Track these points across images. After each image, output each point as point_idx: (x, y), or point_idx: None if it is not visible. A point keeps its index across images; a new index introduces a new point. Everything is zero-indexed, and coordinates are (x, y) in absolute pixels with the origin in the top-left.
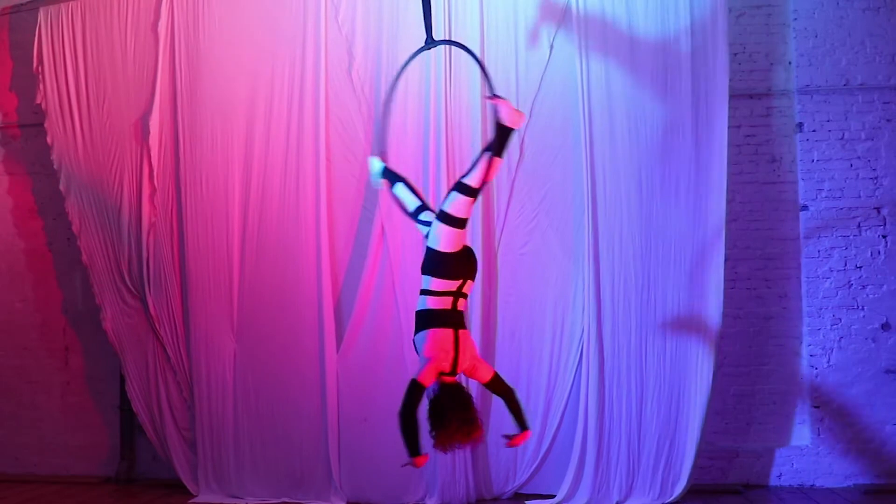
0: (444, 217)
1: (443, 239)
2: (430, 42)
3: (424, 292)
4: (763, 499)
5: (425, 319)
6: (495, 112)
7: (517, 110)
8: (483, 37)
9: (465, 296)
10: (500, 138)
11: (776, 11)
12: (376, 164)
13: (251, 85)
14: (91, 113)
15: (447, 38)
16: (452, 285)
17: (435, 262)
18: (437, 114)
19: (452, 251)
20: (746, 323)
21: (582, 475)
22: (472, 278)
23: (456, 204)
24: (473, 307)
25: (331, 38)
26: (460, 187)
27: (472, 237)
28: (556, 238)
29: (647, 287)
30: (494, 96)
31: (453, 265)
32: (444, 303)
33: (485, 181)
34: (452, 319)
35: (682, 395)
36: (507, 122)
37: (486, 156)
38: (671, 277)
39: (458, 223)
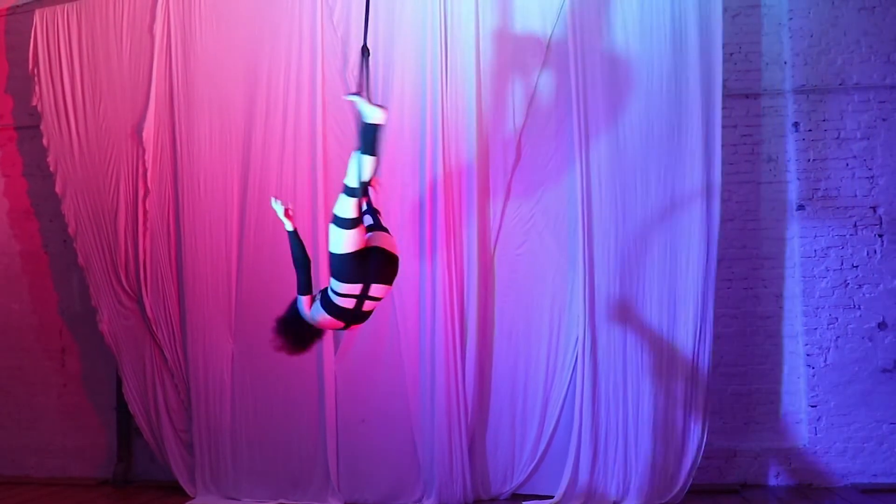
0: (333, 218)
1: (333, 241)
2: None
3: (332, 290)
4: (761, 498)
5: (327, 305)
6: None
7: (377, 105)
8: (478, 38)
9: (373, 299)
10: (364, 135)
11: (772, 11)
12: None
13: (247, 86)
14: (87, 115)
15: (445, 43)
16: (355, 289)
17: (334, 265)
18: (434, 114)
19: (348, 252)
20: (743, 322)
21: (579, 475)
22: (385, 283)
23: (340, 205)
24: (470, 307)
25: (326, 39)
26: (343, 188)
27: (468, 238)
28: (552, 238)
29: (643, 287)
30: (352, 94)
31: (352, 268)
32: (348, 303)
33: (366, 181)
34: (349, 317)
35: (679, 395)
36: (367, 119)
37: (355, 154)
38: (667, 277)
39: (344, 223)
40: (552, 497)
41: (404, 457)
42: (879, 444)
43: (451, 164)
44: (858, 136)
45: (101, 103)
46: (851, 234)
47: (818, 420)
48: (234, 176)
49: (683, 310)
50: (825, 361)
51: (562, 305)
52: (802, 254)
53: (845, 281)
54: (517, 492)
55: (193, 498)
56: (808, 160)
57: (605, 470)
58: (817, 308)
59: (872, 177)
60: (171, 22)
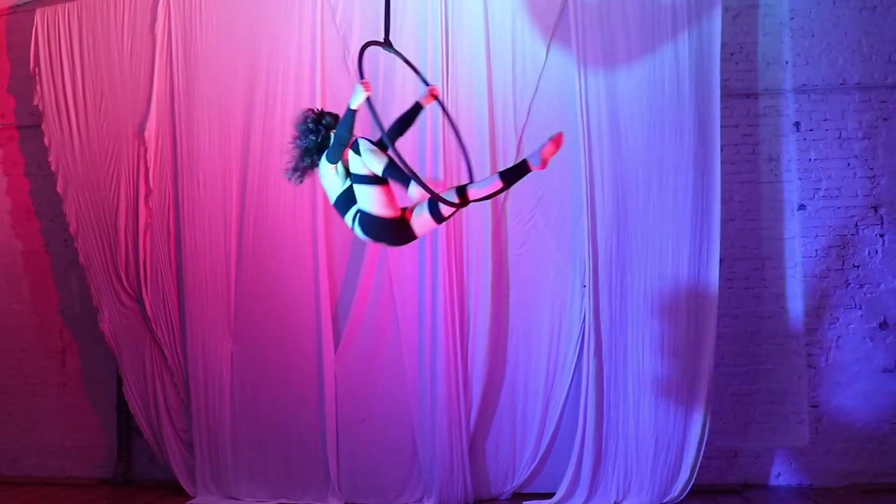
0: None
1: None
2: (387, 43)
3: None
4: (762, 498)
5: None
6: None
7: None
8: (484, 38)
9: None
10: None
11: (772, 11)
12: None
13: (248, 85)
14: (88, 114)
15: (446, 43)
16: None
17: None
18: (434, 112)
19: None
20: (744, 322)
21: (580, 475)
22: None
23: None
24: (470, 307)
25: (328, 38)
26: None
27: (468, 238)
28: (552, 238)
29: (644, 287)
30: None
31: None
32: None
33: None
34: None
35: (680, 395)
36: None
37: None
38: (668, 277)
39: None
40: (553, 496)
41: (405, 457)
42: (881, 444)
43: (452, 164)
44: (860, 135)
45: (101, 102)
46: (852, 234)
47: (819, 420)
48: (234, 175)
49: (685, 310)
50: (826, 361)
51: (562, 305)
52: (803, 253)
53: (846, 281)
54: (518, 491)
55: (193, 497)
56: (809, 160)
57: (606, 469)
58: (818, 308)
59: (873, 176)
60: (171, 21)
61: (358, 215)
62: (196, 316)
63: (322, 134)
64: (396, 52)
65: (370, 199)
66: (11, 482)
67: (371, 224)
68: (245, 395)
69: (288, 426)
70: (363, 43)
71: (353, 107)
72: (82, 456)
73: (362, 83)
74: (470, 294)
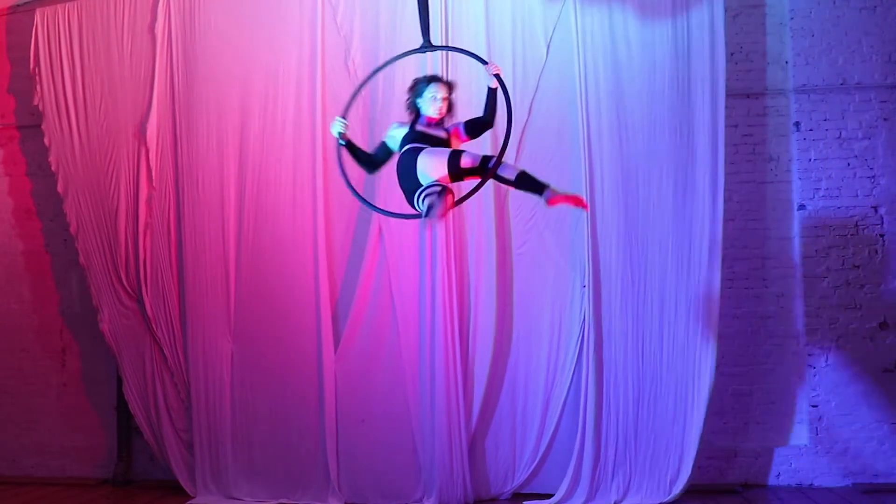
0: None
1: None
2: (427, 46)
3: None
4: (761, 498)
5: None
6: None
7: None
8: (486, 36)
9: None
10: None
11: (773, 11)
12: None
13: (248, 86)
14: (88, 114)
15: (447, 44)
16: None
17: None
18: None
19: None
20: (744, 322)
21: (580, 475)
22: None
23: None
24: (470, 307)
25: (328, 39)
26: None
27: (468, 238)
28: (552, 238)
29: (645, 287)
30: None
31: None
32: None
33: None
34: None
35: (680, 395)
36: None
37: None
38: (669, 277)
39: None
40: (553, 496)
41: (404, 457)
42: (881, 444)
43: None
44: (860, 135)
45: (101, 102)
46: (853, 234)
47: (819, 420)
48: (234, 175)
49: (685, 309)
50: (826, 361)
51: (563, 305)
52: (803, 253)
53: (846, 281)
54: (518, 491)
55: (193, 497)
56: (810, 160)
57: (606, 469)
58: (818, 308)
59: (874, 176)
60: (171, 22)
61: (399, 160)
62: (196, 316)
63: (409, 100)
64: (443, 48)
65: (431, 159)
66: (11, 482)
67: (404, 172)
68: (245, 395)
69: (288, 426)
70: (405, 53)
71: (342, 142)
72: (82, 456)
73: (342, 120)
74: (470, 294)
